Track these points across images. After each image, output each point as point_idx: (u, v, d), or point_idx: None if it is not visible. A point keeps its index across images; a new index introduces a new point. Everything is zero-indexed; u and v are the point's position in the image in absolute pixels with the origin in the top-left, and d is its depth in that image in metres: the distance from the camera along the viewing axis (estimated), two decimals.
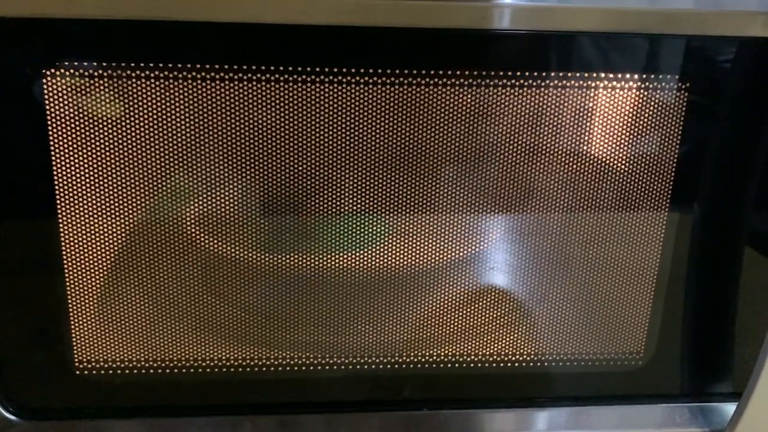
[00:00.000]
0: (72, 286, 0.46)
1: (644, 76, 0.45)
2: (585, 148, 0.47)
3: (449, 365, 0.51)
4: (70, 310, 0.47)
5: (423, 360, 0.51)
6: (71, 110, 0.42)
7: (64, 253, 0.45)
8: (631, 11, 0.42)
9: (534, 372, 0.52)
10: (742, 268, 0.50)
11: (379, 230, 0.48)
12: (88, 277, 0.46)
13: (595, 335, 0.52)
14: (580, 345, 0.52)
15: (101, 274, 0.47)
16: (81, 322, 0.47)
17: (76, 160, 0.43)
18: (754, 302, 0.51)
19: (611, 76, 0.45)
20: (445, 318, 0.51)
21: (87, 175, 0.44)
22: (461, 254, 0.49)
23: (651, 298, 0.51)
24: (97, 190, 0.44)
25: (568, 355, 0.52)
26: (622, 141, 0.47)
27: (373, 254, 0.48)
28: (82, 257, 0.46)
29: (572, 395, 0.53)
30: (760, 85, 0.46)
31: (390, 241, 0.48)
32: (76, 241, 0.45)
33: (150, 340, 0.48)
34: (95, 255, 0.46)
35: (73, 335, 0.47)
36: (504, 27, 0.42)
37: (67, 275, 0.46)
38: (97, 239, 0.45)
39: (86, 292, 0.47)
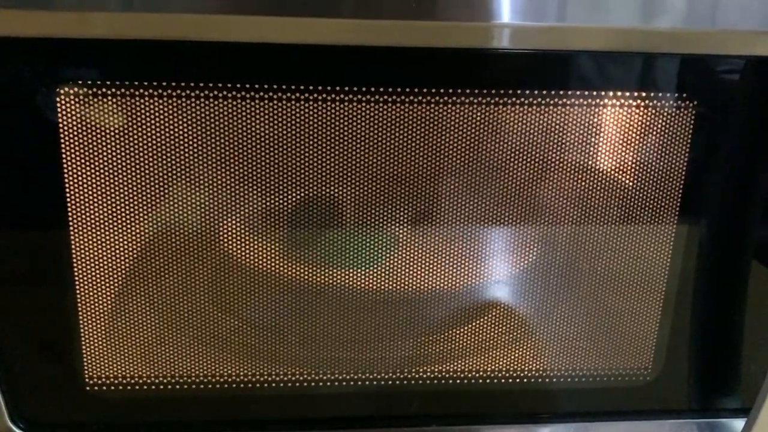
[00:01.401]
0: (83, 300, 0.46)
1: (652, 94, 0.45)
2: (593, 164, 0.48)
3: (456, 381, 0.51)
4: (81, 324, 0.47)
5: (429, 376, 0.51)
6: (83, 126, 0.42)
7: (75, 266, 0.45)
8: (637, 30, 0.42)
9: (541, 388, 0.52)
10: (750, 282, 0.50)
11: (384, 247, 0.48)
12: (99, 291, 0.46)
13: (603, 351, 0.52)
14: (588, 360, 0.52)
15: (112, 289, 0.47)
16: (92, 337, 0.47)
17: (88, 175, 0.44)
18: (762, 317, 0.51)
19: (619, 94, 0.45)
20: (451, 333, 0.51)
21: (98, 190, 0.44)
22: (467, 270, 0.49)
23: (659, 314, 0.51)
24: (108, 203, 0.44)
25: (575, 370, 0.52)
26: (630, 157, 0.48)
27: (379, 270, 0.48)
28: (93, 271, 0.46)
29: (580, 411, 0.53)
30: (765, 102, 0.46)
31: (396, 256, 0.48)
32: (87, 254, 0.45)
33: (160, 357, 0.48)
34: (106, 269, 0.46)
35: (84, 351, 0.47)
36: (513, 45, 0.42)
37: (78, 289, 0.46)
38: (108, 253, 0.46)
39: (97, 307, 0.47)
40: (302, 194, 0.45)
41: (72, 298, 0.46)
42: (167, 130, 0.43)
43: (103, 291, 0.46)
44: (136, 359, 0.48)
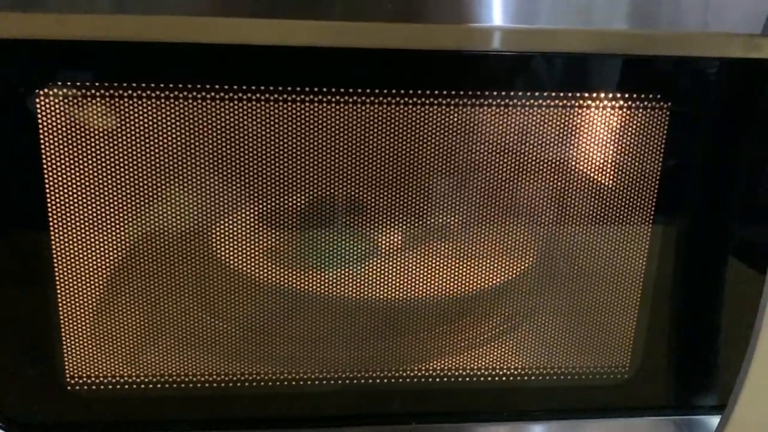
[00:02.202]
0: (63, 300, 0.46)
1: (627, 95, 0.46)
2: (569, 164, 0.48)
3: (439, 379, 0.51)
4: (62, 324, 0.47)
5: (413, 374, 0.51)
6: (63, 128, 0.43)
7: (55, 266, 0.45)
8: (613, 33, 0.43)
9: (521, 386, 0.52)
10: (726, 281, 0.51)
11: (369, 246, 0.48)
12: (80, 291, 0.47)
13: (582, 349, 0.52)
14: (567, 359, 0.52)
15: (93, 288, 0.47)
16: (72, 337, 0.47)
17: (68, 176, 0.44)
18: (739, 315, 0.51)
19: (595, 95, 0.46)
20: (433, 333, 0.51)
21: (79, 190, 0.44)
22: (448, 270, 0.50)
23: (636, 312, 0.51)
24: (89, 204, 0.45)
25: (554, 368, 0.52)
26: (606, 157, 0.48)
27: (364, 270, 0.48)
28: (74, 270, 0.46)
29: (559, 408, 0.53)
30: (739, 103, 0.47)
31: (380, 257, 0.49)
32: (67, 254, 0.45)
33: (141, 355, 0.48)
34: (87, 268, 0.46)
35: (65, 350, 0.47)
36: (489, 48, 0.43)
37: (58, 289, 0.46)
38: (89, 253, 0.46)
39: (78, 306, 0.47)
40: (290, 196, 0.46)
41: (53, 298, 0.46)
42: (149, 131, 0.43)
43: (84, 291, 0.47)
44: (118, 358, 0.48)
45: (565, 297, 0.51)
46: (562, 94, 0.45)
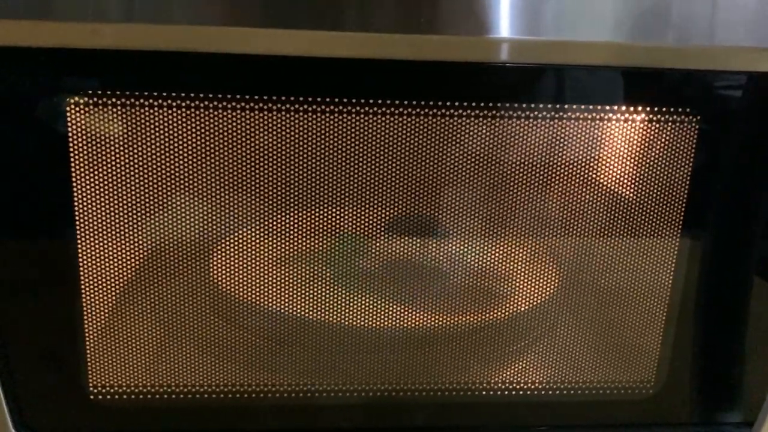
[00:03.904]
0: (88, 309, 0.46)
1: (655, 108, 0.45)
2: (596, 178, 0.48)
3: (460, 393, 0.51)
4: (86, 333, 0.47)
5: (432, 387, 0.51)
6: (93, 136, 0.43)
7: (81, 275, 0.45)
8: (643, 47, 0.43)
9: (543, 400, 0.52)
10: (752, 296, 0.50)
11: (390, 261, 0.48)
12: (105, 300, 0.46)
13: (606, 363, 0.52)
14: (591, 373, 0.52)
15: (117, 298, 0.47)
16: (96, 346, 0.47)
17: (96, 185, 0.44)
18: (765, 331, 0.51)
19: (623, 108, 0.45)
20: (453, 346, 0.51)
21: (106, 199, 0.44)
22: (470, 282, 0.50)
23: (662, 327, 0.51)
24: (116, 213, 0.45)
25: (578, 383, 0.52)
26: (634, 171, 0.48)
27: (379, 282, 0.48)
28: (99, 280, 0.46)
29: (582, 424, 0.53)
30: (767, 117, 0.46)
31: (396, 267, 0.48)
32: (93, 263, 0.45)
33: (164, 366, 0.48)
34: (112, 278, 0.46)
35: (88, 359, 0.47)
36: (517, 60, 0.43)
37: (84, 298, 0.46)
38: (115, 262, 0.46)
39: (102, 316, 0.47)
40: (308, 206, 0.46)
41: (78, 308, 0.46)
42: (175, 140, 0.43)
43: (109, 300, 0.47)
44: (140, 368, 0.48)
45: (591, 312, 0.51)
46: (590, 107, 0.45)
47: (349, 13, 0.41)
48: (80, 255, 0.45)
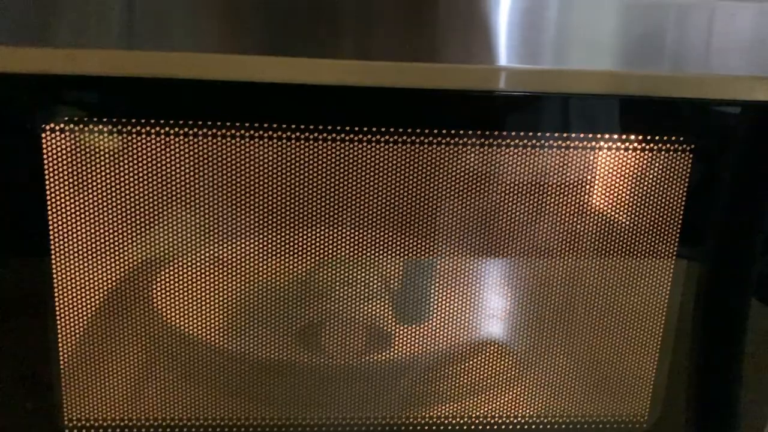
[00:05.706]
0: (63, 336, 0.45)
1: (649, 137, 0.45)
2: (590, 205, 0.47)
3: (445, 426, 0.50)
4: (61, 363, 0.45)
5: (417, 420, 0.49)
6: (68, 162, 0.42)
7: (56, 302, 0.44)
8: (637, 75, 0.42)
9: None
10: (749, 323, 0.49)
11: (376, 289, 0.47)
12: (80, 327, 0.45)
13: (598, 395, 0.51)
14: (582, 405, 0.51)
15: (94, 325, 0.46)
16: (72, 376, 0.46)
17: (72, 210, 0.43)
18: (763, 358, 0.50)
19: (616, 136, 0.45)
20: (440, 374, 0.50)
21: (82, 224, 0.44)
22: (459, 308, 0.48)
23: (656, 358, 0.50)
24: (92, 239, 0.44)
25: (569, 416, 0.51)
26: (628, 199, 0.47)
27: (371, 311, 0.48)
28: (74, 306, 0.45)
29: None
30: (763, 146, 0.46)
31: (390, 296, 0.48)
32: (69, 289, 0.44)
33: (144, 397, 0.47)
34: (88, 304, 0.45)
35: (64, 390, 0.46)
36: (509, 89, 0.42)
37: (59, 325, 0.45)
38: (91, 288, 0.45)
39: (78, 343, 0.46)
40: (297, 233, 0.45)
41: (53, 334, 0.45)
42: (151, 166, 0.43)
43: (85, 327, 0.46)
44: (117, 400, 0.47)
45: (582, 340, 0.50)
46: (583, 135, 0.44)
47: (348, 41, 0.41)
48: (55, 280, 0.44)
